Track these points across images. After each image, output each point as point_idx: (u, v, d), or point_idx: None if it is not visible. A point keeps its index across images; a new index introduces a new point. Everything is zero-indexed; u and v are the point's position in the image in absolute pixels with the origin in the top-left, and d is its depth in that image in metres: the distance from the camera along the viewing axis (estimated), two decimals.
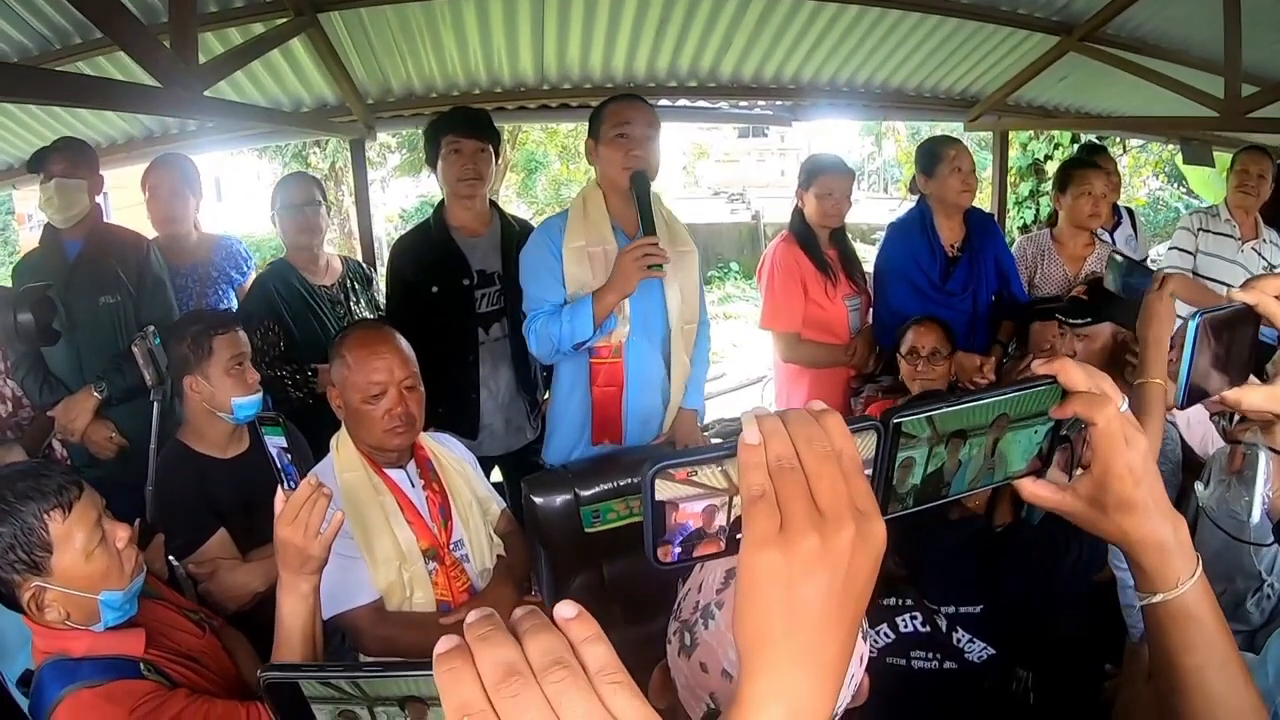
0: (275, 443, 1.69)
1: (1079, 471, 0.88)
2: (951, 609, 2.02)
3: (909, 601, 2.02)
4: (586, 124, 2.94)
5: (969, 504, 2.05)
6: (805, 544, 0.59)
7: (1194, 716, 0.88)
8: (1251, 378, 1.02)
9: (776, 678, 0.60)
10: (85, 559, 1.60)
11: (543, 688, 0.51)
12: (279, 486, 1.68)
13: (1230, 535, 1.70)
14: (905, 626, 2.02)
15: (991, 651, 2.00)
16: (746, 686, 0.60)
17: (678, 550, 0.68)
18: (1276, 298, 0.95)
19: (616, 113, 2.77)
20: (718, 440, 0.69)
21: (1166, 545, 0.86)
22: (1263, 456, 1.25)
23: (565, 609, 0.55)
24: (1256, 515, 1.28)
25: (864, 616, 1.09)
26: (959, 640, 2.01)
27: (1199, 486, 1.49)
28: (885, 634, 2.04)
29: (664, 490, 0.65)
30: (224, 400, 2.56)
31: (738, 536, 0.66)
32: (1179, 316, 0.96)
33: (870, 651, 1.97)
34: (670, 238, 2.84)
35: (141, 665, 1.62)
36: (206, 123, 4.28)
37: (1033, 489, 0.89)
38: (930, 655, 2.02)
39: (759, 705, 0.60)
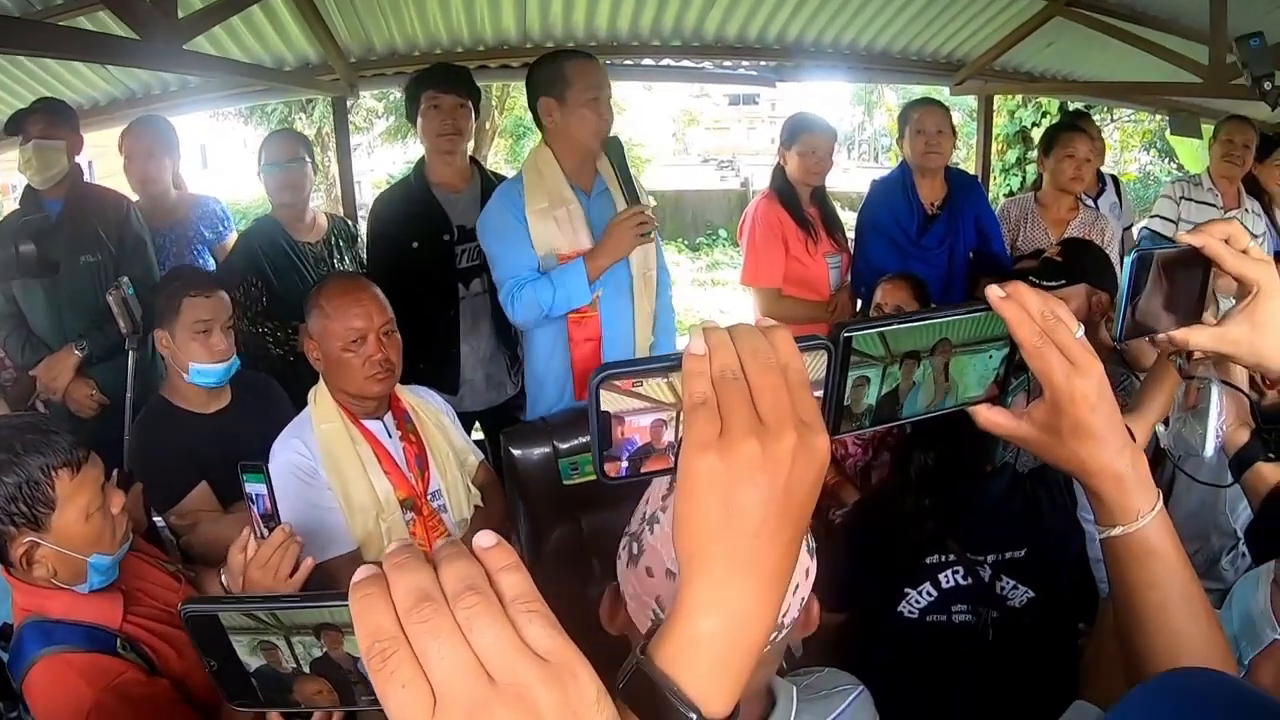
0: (255, 489, 1.71)
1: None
2: (995, 557, 2.01)
3: (951, 557, 2.01)
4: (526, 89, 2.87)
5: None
6: (745, 449, 0.59)
7: (1157, 654, 0.88)
8: (1207, 316, 1.03)
9: (715, 584, 0.60)
10: (84, 521, 1.62)
11: (454, 613, 0.50)
12: (250, 532, 1.72)
13: (1190, 476, 1.73)
14: (947, 582, 2.02)
15: (1032, 594, 2.01)
16: (685, 592, 0.61)
17: (625, 465, 0.67)
18: (1225, 241, 0.96)
19: (586, 74, 2.72)
20: None
21: (1124, 476, 0.86)
22: (1214, 389, 1.27)
23: (483, 538, 0.55)
24: (1210, 448, 1.30)
25: (809, 534, 1.11)
26: (1002, 588, 2.01)
27: (1159, 428, 1.51)
28: (928, 592, 2.03)
29: (609, 402, 0.65)
30: (184, 361, 2.57)
31: None
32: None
33: (910, 613, 2.00)
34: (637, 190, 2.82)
35: (118, 641, 1.64)
36: (189, 82, 4.25)
37: (988, 415, 0.89)
38: (971, 608, 2.02)
39: (697, 611, 0.60)
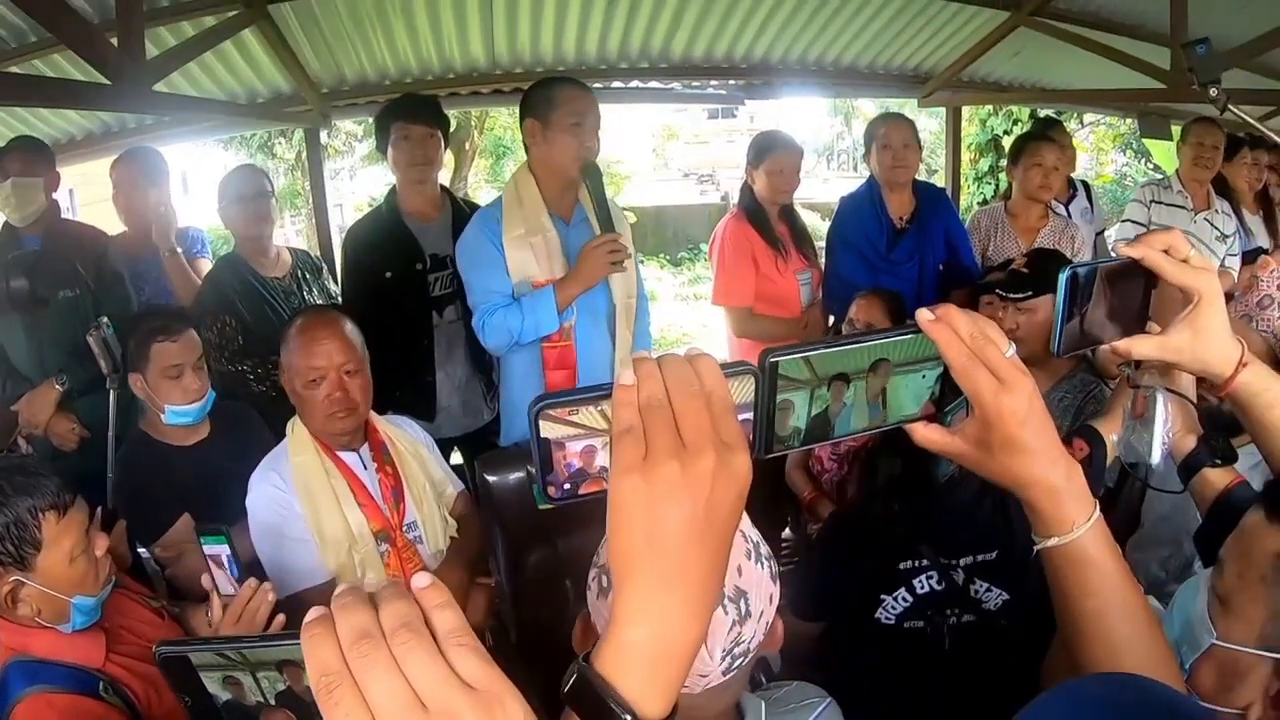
0: (215, 550, 1.74)
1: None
2: (969, 559, 2.04)
3: (924, 562, 2.04)
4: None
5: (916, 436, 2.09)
6: (665, 470, 0.64)
7: (1097, 662, 0.90)
8: (1152, 325, 1.07)
9: (643, 596, 0.65)
10: (69, 563, 1.64)
11: (391, 649, 0.56)
12: (212, 592, 1.76)
13: (1144, 484, 1.76)
14: (922, 588, 2.05)
15: (1006, 597, 2.04)
16: (617, 604, 0.66)
17: (565, 487, 0.73)
18: (1165, 251, 1.00)
19: (571, 100, 2.74)
20: None
21: (1058, 488, 0.89)
22: (1159, 398, 1.30)
23: (419, 579, 0.61)
24: (1157, 455, 1.33)
25: (772, 559, 1.14)
26: (976, 591, 2.04)
27: (1112, 437, 1.55)
28: (903, 598, 2.05)
29: (548, 429, 0.70)
30: (160, 404, 2.58)
31: None
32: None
33: (887, 619, 2.02)
34: (614, 219, 2.84)
35: (101, 684, 1.65)
36: (163, 117, 4.27)
37: (924, 433, 0.92)
38: (949, 612, 2.05)
39: (627, 623, 0.65)
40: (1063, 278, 0.99)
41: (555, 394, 0.71)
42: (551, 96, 2.76)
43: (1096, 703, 0.72)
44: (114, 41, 2.46)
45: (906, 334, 0.87)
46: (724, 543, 0.67)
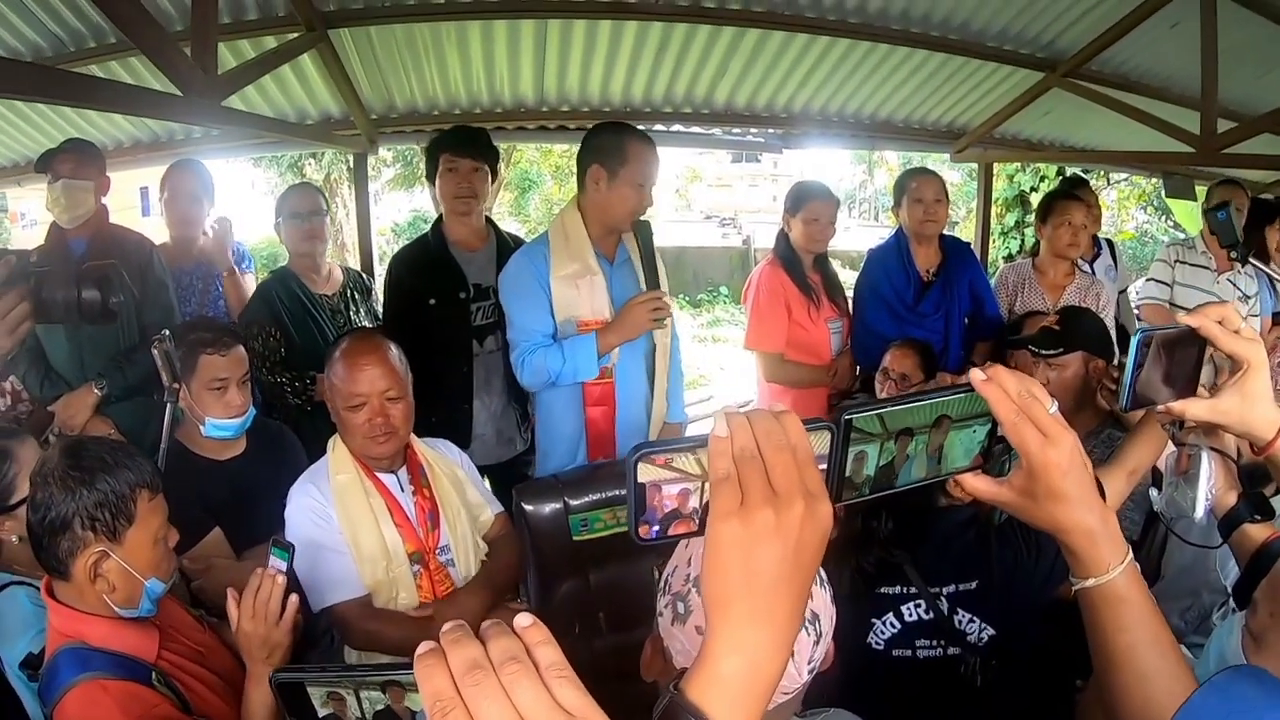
0: (277, 565, 1.77)
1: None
2: (951, 588, 2.08)
3: (912, 589, 2.08)
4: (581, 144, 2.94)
5: (954, 492, 2.13)
6: (761, 516, 0.70)
7: (1128, 692, 0.99)
8: (1201, 389, 1.14)
9: (736, 632, 0.71)
10: (152, 544, 1.70)
11: (500, 679, 0.62)
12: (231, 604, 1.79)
13: (1180, 537, 1.82)
14: (910, 615, 2.08)
15: (991, 632, 2.06)
16: (710, 641, 0.72)
17: (656, 529, 0.78)
18: (1219, 323, 1.08)
19: (644, 161, 2.79)
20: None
21: (1095, 532, 0.97)
22: (1205, 456, 1.37)
23: (523, 619, 0.67)
24: (1200, 511, 1.39)
25: (828, 584, 1.19)
26: (960, 622, 2.07)
27: (1153, 492, 1.60)
28: (891, 624, 2.09)
29: (645, 473, 0.76)
30: (200, 415, 2.61)
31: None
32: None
33: (877, 644, 2.06)
34: (659, 272, 2.89)
35: (154, 674, 1.68)
36: (211, 130, 4.36)
37: (973, 482, 1.01)
38: (935, 643, 2.08)
39: (721, 656, 0.71)
40: (1136, 340, 1.06)
41: (654, 442, 0.78)
42: (624, 149, 2.79)
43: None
44: (186, 52, 2.50)
45: (960, 392, 0.94)
46: (809, 583, 0.74)
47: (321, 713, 1.03)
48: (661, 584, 1.23)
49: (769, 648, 0.71)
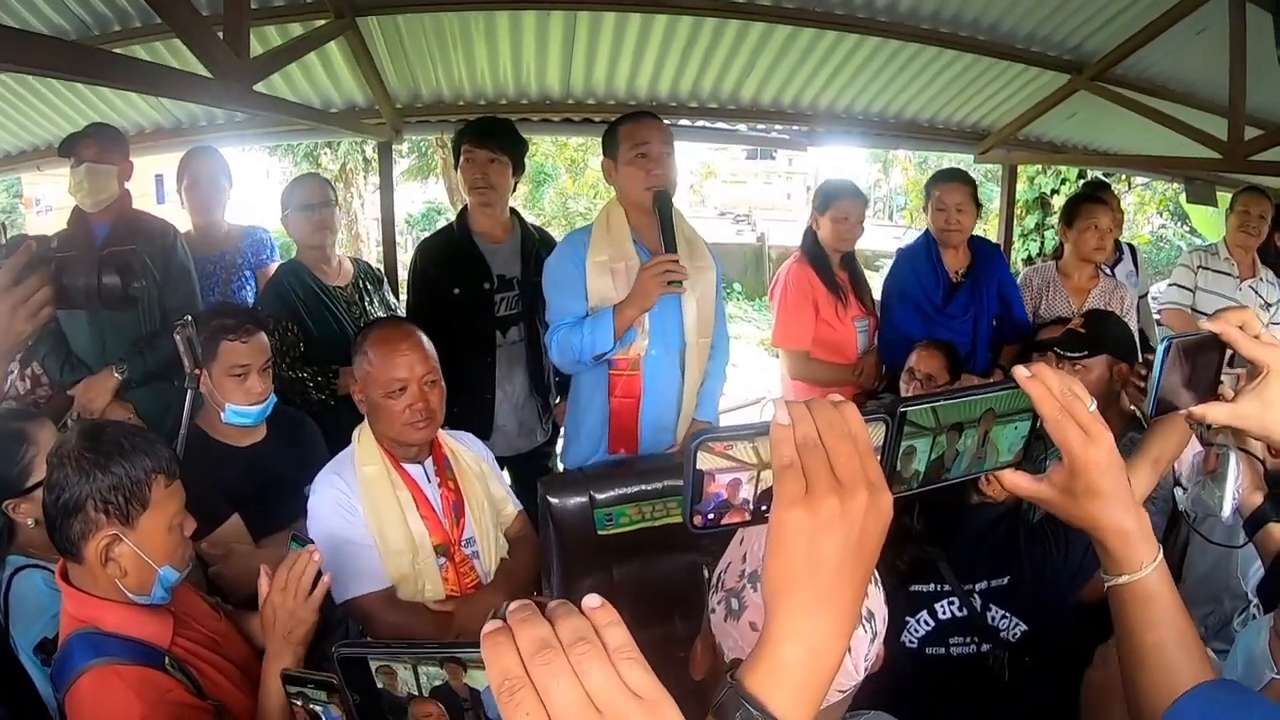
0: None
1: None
2: (983, 584, 2.09)
3: (945, 587, 2.09)
4: (600, 140, 3.01)
5: (986, 490, 2.14)
6: (826, 504, 0.71)
7: (1156, 688, 0.99)
8: (1224, 392, 1.15)
9: (799, 618, 0.72)
10: (166, 530, 1.69)
11: (569, 658, 0.62)
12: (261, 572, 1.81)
13: (1205, 538, 1.82)
14: (944, 613, 2.09)
15: (1024, 627, 2.07)
16: (771, 626, 0.72)
17: (710, 517, 0.78)
18: (1240, 328, 1.09)
19: (633, 133, 2.82)
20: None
21: (1130, 532, 0.99)
22: (1233, 456, 1.38)
23: (591, 600, 0.67)
24: (1228, 509, 1.41)
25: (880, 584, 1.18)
26: (993, 619, 2.08)
27: (1178, 492, 1.61)
28: (925, 622, 2.10)
29: (705, 461, 0.76)
30: (221, 401, 2.62)
31: (763, 508, 0.77)
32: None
33: (911, 642, 2.07)
34: (690, 254, 2.90)
35: (166, 659, 1.68)
36: (235, 116, 4.35)
37: (1013, 479, 1.02)
38: (968, 640, 2.10)
39: (783, 642, 0.72)
40: (1162, 347, 1.08)
41: (715, 429, 0.77)
42: (616, 132, 2.87)
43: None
44: (219, 36, 2.49)
45: (1006, 388, 0.95)
46: (869, 572, 0.75)
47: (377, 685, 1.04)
48: (714, 581, 1.22)
49: (830, 636, 0.72)
